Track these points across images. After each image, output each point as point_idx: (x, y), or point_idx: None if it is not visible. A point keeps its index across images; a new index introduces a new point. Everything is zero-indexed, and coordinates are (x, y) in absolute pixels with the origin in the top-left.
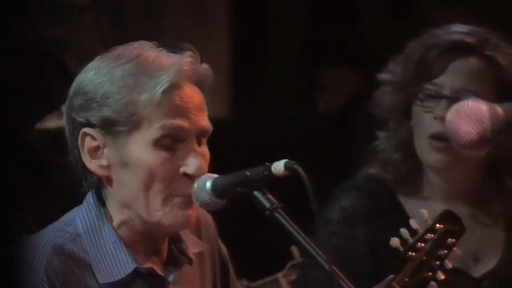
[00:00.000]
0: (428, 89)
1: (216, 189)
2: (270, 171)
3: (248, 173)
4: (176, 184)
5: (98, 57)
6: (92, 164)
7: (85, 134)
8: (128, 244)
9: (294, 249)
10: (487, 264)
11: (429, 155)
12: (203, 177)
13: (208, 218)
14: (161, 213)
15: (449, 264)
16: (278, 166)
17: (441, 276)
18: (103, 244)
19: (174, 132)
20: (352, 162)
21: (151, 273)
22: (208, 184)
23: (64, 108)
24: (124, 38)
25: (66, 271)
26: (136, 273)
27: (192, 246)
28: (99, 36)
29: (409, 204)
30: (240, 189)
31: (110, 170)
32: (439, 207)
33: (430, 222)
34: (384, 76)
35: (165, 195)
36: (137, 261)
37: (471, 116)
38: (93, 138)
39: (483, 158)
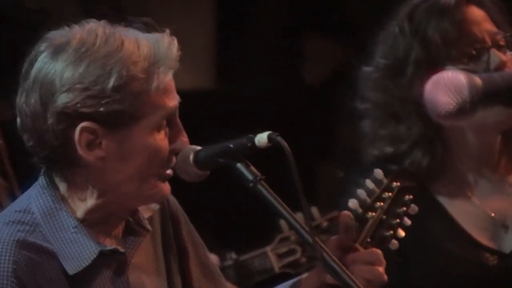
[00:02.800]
0: (468, 52)
1: (198, 161)
2: (253, 143)
3: (231, 145)
4: (169, 163)
5: (74, 45)
6: (89, 156)
7: (85, 129)
8: (88, 226)
9: (282, 222)
10: None
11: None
12: (186, 149)
13: None
14: (155, 190)
15: (408, 221)
16: (262, 138)
17: (402, 233)
18: (64, 229)
19: (168, 111)
20: (335, 133)
21: (114, 252)
22: (191, 156)
23: (38, 97)
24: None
25: (33, 267)
26: (100, 255)
27: (144, 211)
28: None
29: (431, 184)
30: (223, 161)
31: (106, 160)
32: (463, 182)
33: (386, 181)
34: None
35: (160, 173)
36: (100, 243)
37: (449, 86)
38: (92, 132)
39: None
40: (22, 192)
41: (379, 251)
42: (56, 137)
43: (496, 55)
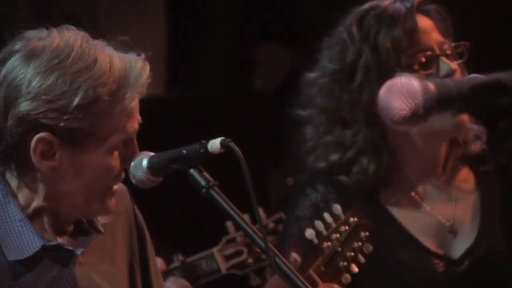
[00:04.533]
0: (418, 59)
1: (152, 167)
2: (206, 149)
3: (184, 151)
4: (118, 179)
5: (48, 54)
6: (42, 165)
7: (41, 139)
8: (35, 221)
9: (229, 224)
10: (466, 238)
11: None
12: (139, 155)
13: (122, 188)
14: (100, 206)
15: (362, 259)
16: (214, 144)
17: (355, 268)
18: (10, 221)
19: (128, 135)
20: (287, 139)
21: (59, 248)
22: (144, 162)
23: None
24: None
25: None
26: (44, 249)
27: (101, 216)
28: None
29: (380, 193)
30: (176, 167)
31: (58, 169)
32: (410, 190)
33: (343, 216)
34: (330, 69)
35: (108, 189)
36: (44, 238)
37: (403, 92)
38: (48, 143)
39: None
40: None
41: (335, 286)
42: (12, 138)
43: (445, 63)
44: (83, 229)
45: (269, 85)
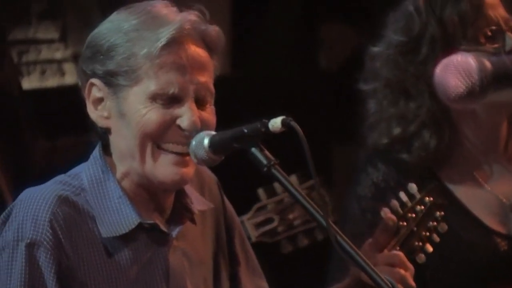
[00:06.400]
0: (484, 32)
1: (213, 146)
2: (267, 127)
3: (245, 130)
4: (169, 137)
5: (115, 12)
6: (94, 114)
7: (92, 85)
8: (133, 198)
9: (260, 191)
10: None
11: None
12: (201, 133)
13: (212, 178)
14: (152, 165)
15: (437, 238)
16: (275, 123)
17: (430, 248)
18: (108, 198)
19: (168, 87)
20: (352, 120)
21: (154, 228)
22: (206, 141)
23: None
24: None
25: (70, 223)
26: (139, 228)
27: (197, 203)
28: None
29: (441, 171)
30: (238, 146)
31: (110, 121)
32: (471, 167)
33: (419, 195)
34: (400, 39)
35: (157, 144)
36: (141, 216)
37: (459, 70)
38: (98, 89)
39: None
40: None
41: (401, 254)
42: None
43: (511, 38)
44: (177, 213)
45: (334, 64)
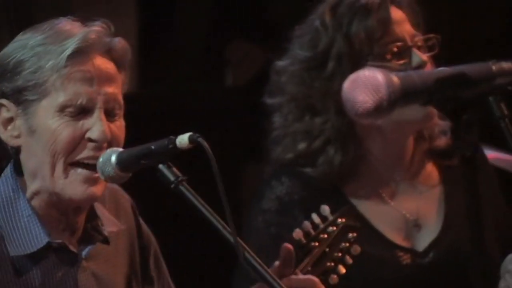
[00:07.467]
0: (390, 49)
1: (121, 163)
2: (174, 144)
3: (152, 147)
4: (80, 150)
5: (21, 32)
6: (4, 135)
7: (0, 105)
8: (42, 218)
9: None
10: (430, 232)
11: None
12: (108, 151)
13: (127, 200)
14: (63, 182)
15: (349, 260)
16: (183, 140)
17: (342, 269)
18: (18, 217)
19: (76, 98)
20: (258, 135)
21: (63, 248)
22: (113, 158)
23: None
24: (33, 11)
25: None
26: (48, 247)
27: (108, 225)
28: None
29: (345, 186)
30: (145, 162)
31: (20, 140)
32: (376, 183)
33: (331, 217)
34: (302, 56)
35: (68, 161)
36: (51, 236)
37: (367, 85)
38: (7, 109)
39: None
40: None
41: (314, 278)
42: None
43: (417, 55)
44: (88, 234)
45: (241, 81)
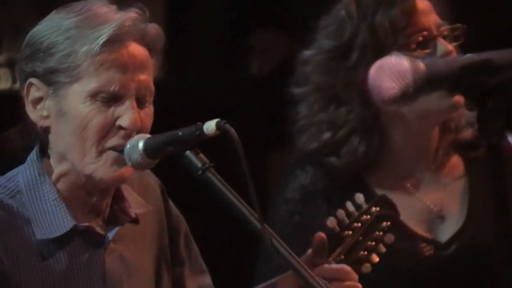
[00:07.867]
0: (415, 39)
1: (148, 149)
2: (201, 130)
3: (180, 133)
4: (110, 137)
5: (54, 11)
6: (33, 114)
7: (30, 84)
8: (68, 201)
9: None
10: (454, 223)
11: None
12: (135, 137)
13: (156, 183)
14: (94, 165)
15: (382, 248)
16: (210, 126)
17: (375, 258)
18: (43, 200)
19: (109, 85)
20: (281, 124)
21: (89, 230)
22: (140, 144)
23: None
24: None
25: (3, 227)
26: (74, 230)
27: (135, 206)
28: None
29: (369, 176)
30: (172, 149)
31: (50, 120)
32: (400, 174)
33: (365, 205)
34: (327, 46)
35: (99, 147)
36: (76, 219)
37: (393, 71)
38: (37, 89)
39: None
40: None
41: (347, 267)
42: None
43: (442, 44)
44: (115, 216)
45: (266, 70)
